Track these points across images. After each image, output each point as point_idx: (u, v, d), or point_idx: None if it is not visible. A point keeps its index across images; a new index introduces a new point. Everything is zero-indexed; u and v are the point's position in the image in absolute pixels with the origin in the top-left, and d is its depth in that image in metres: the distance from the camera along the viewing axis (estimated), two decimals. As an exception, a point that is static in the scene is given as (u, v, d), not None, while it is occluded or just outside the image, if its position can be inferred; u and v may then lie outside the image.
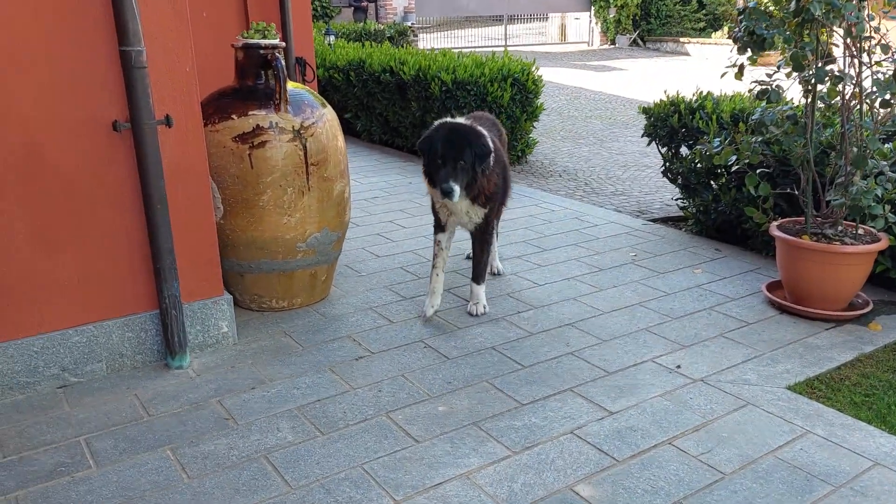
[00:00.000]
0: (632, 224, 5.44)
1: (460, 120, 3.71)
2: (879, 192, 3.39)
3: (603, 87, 13.11)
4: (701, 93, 5.29)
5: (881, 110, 3.48)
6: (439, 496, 2.45)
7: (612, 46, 19.88)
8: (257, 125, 3.47)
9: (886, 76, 3.30)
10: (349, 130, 8.41)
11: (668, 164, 5.31)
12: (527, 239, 5.07)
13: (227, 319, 3.44)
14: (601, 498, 2.44)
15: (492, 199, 3.69)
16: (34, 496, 2.44)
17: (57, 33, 2.79)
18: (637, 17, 19.58)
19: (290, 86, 3.65)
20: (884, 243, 3.71)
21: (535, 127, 7.56)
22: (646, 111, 5.42)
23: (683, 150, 5.28)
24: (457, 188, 3.37)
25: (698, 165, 5.02)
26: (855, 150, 3.56)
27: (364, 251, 4.83)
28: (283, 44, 3.68)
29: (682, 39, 18.63)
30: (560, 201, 6.11)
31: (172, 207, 3.10)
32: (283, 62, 3.49)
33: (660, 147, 5.39)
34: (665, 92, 5.55)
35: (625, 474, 2.56)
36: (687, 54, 18.20)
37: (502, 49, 15.97)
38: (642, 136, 5.55)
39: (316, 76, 5.30)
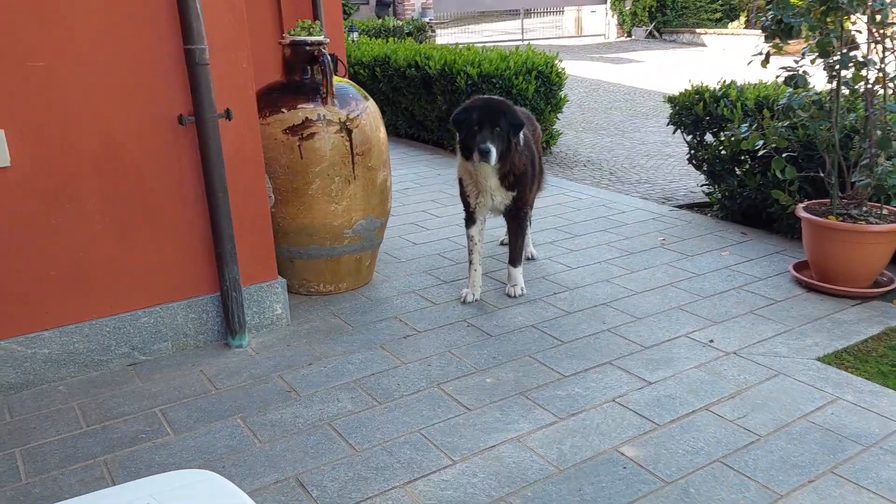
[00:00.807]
0: (658, 210, 5.59)
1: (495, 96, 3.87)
2: (901, 170, 3.52)
3: (621, 78, 13.22)
4: (724, 81, 5.42)
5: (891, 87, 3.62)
6: (494, 457, 2.63)
7: (629, 39, 19.94)
8: (306, 118, 3.67)
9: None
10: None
11: (693, 151, 5.45)
12: (557, 226, 5.24)
13: (281, 302, 3.64)
14: (645, 458, 2.61)
15: (519, 183, 3.85)
16: (121, 460, 2.65)
17: (128, 36, 2.99)
18: (653, 9, 19.63)
19: (335, 80, 3.84)
20: (908, 222, 3.84)
21: (558, 118, 7.71)
22: (671, 100, 5.56)
23: (708, 138, 5.42)
24: (493, 149, 3.54)
25: (723, 152, 5.15)
26: (879, 132, 3.70)
27: (401, 239, 5.02)
28: (328, 40, 3.87)
29: (698, 30, 18.67)
30: (586, 189, 6.27)
31: (232, 196, 3.31)
32: (328, 58, 3.69)
33: (685, 135, 5.53)
34: (689, 81, 5.68)
35: (666, 437, 2.73)
36: (703, 45, 18.24)
37: (519, 43, 16.10)
38: (667, 124, 5.69)
39: (346, 74, 5.49)
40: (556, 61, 7.33)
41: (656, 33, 19.69)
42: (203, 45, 3.06)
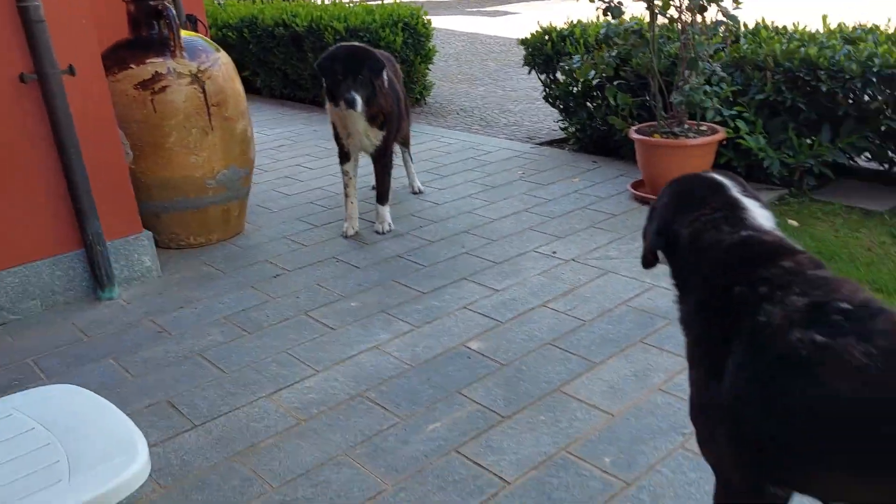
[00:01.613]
0: (521, 149, 5.96)
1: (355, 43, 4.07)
2: (707, 88, 3.98)
3: (498, 31, 13.56)
4: (571, 21, 5.80)
5: (699, 15, 4.05)
6: (354, 364, 2.91)
7: (506, -7, 20.30)
8: (156, 72, 3.74)
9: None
10: (250, 88, 8.51)
11: (547, 89, 5.83)
12: (427, 169, 5.50)
13: (149, 254, 3.75)
14: (487, 348, 2.95)
15: (388, 123, 4.09)
16: (-7, 407, 2.75)
17: (-46, -7, 2.99)
18: (527, -37, 20.02)
19: (184, 34, 3.92)
20: (721, 135, 4.33)
21: (429, 70, 7.94)
22: (523, 42, 5.90)
23: (560, 76, 5.80)
24: (358, 97, 3.76)
25: (574, 89, 5.56)
26: (690, 55, 4.15)
27: (274, 192, 5.16)
28: (172, -5, 3.94)
29: (571, -18, 19.22)
30: (457, 135, 6.57)
31: (86, 152, 3.37)
32: (173, 11, 3.77)
33: (539, 74, 5.89)
34: (538, 23, 6.04)
35: (507, 331, 3.08)
36: (577, -4, 18.80)
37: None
38: (522, 65, 6.04)
39: (209, 34, 5.51)
40: (422, 13, 7.53)
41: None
42: (37, 2, 3.09)
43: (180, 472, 2.35)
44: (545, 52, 5.69)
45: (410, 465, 2.32)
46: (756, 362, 1.38)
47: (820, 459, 1.36)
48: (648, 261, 1.76)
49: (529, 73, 5.99)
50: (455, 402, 2.64)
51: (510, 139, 6.40)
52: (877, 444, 1.25)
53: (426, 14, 7.62)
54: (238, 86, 4.11)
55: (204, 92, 3.84)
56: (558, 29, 5.71)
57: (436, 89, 8.59)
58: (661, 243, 1.67)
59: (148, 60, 3.74)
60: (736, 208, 1.59)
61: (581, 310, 3.21)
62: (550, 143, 6.17)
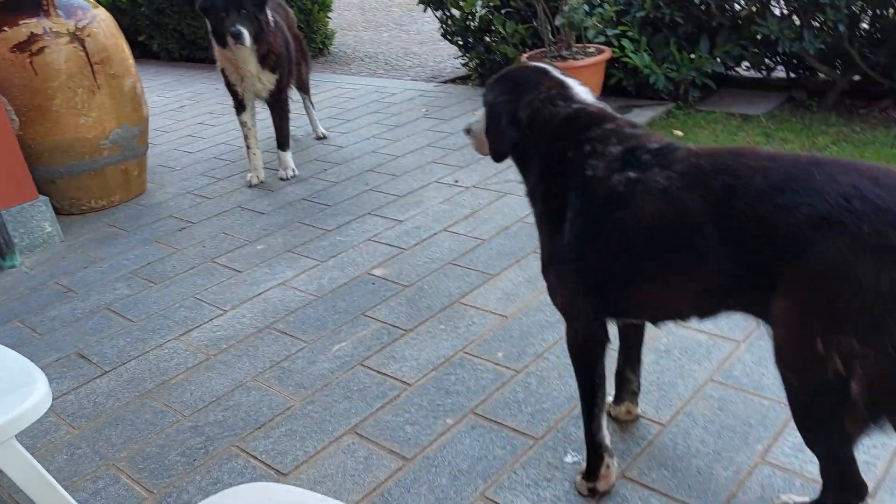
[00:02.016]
0: (425, 88, 6.03)
1: None
2: (587, 7, 4.13)
3: (401, -22, 13.39)
4: (461, -44, 5.83)
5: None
6: (261, 300, 3.00)
7: (409, -61, 19.97)
8: (31, 33, 3.65)
9: None
10: (148, 53, 8.32)
11: (444, 26, 5.89)
12: (332, 116, 5.53)
13: (48, 220, 3.71)
14: (391, 274, 3.09)
15: (280, 64, 4.08)
16: None
17: None
18: None
19: (57, -8, 3.81)
20: (607, 55, 4.51)
21: (329, 18, 7.85)
22: (415, -19, 5.91)
23: (455, 12, 5.86)
24: (244, 30, 3.71)
25: (472, 24, 5.63)
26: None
27: (176, 151, 5.11)
28: (40, -47, 3.80)
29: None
30: (362, 80, 6.57)
31: (-35, 119, 3.30)
32: (43, -31, 3.65)
33: (434, 11, 5.94)
34: (429, -40, 6.05)
35: (410, 256, 3.22)
36: (481, -63, 18.64)
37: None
38: (417, 3, 6.06)
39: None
40: (316, -39, 7.41)
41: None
42: None
43: (93, 414, 2.42)
44: (438, -12, 5.73)
45: (317, 382, 2.45)
46: (588, 208, 1.62)
47: (643, 276, 1.61)
48: (502, 155, 1.89)
49: (425, 10, 6.03)
50: (360, 323, 2.77)
51: (414, 80, 6.46)
52: (681, 251, 1.51)
53: (320, -39, 7.51)
54: (122, 42, 4.03)
55: (85, 50, 3.76)
56: (449, -36, 5.73)
57: (340, 38, 8.52)
58: (515, 131, 1.79)
59: (21, 22, 3.64)
60: (564, 87, 1.77)
61: (480, 230, 3.36)
62: (454, 80, 6.25)
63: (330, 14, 7.74)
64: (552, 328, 2.57)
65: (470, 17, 5.56)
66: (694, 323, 2.47)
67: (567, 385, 2.28)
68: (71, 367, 2.68)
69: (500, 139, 1.84)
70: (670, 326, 2.46)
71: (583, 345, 1.79)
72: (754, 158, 1.46)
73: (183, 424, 2.32)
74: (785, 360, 1.45)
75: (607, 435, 1.87)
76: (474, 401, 2.27)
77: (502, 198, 3.68)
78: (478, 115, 1.95)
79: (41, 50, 3.66)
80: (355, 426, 2.23)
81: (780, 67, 4.81)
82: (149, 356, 2.70)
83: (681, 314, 1.70)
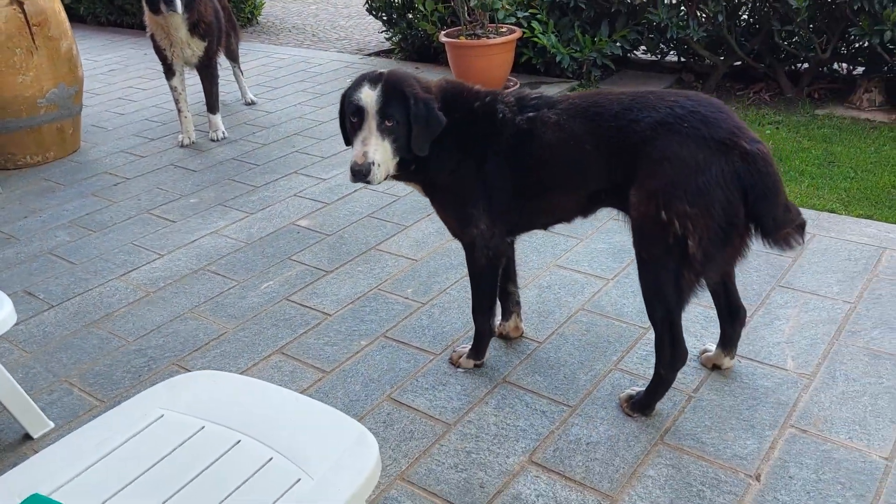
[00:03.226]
0: (351, 59, 6.33)
1: None
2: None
3: (331, -50, 13.47)
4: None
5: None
6: (195, 246, 3.31)
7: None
8: (-32, -8, 3.79)
9: None
10: (73, 17, 8.24)
11: (370, 1, 6.19)
12: (261, 83, 5.77)
13: (-15, 173, 3.89)
14: (314, 224, 3.45)
15: (209, 33, 4.32)
16: None
17: None
18: None
19: (-8, -46, 3.94)
20: (517, 34, 4.94)
21: (259, -11, 8.02)
22: (343, -44, 6.18)
23: (380, -12, 6.17)
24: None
25: (395, 1, 5.95)
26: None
27: (108, 112, 5.28)
28: (-27, -87, 3.92)
29: None
30: (290, 51, 6.82)
31: None
32: (-23, -70, 3.78)
33: (360, -13, 6.23)
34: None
35: (332, 210, 3.58)
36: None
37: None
38: (344, -21, 6.33)
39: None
40: (244, -69, 7.54)
41: None
42: None
43: (44, 341, 2.70)
44: (364, -35, 6.02)
45: (248, 313, 2.81)
46: (504, 141, 2.10)
47: (545, 189, 2.12)
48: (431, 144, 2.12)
49: (352, -14, 6.31)
50: (286, 266, 3.13)
51: (340, 52, 6.75)
52: (571, 164, 2.05)
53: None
54: (58, 6, 4.19)
55: (24, 13, 3.92)
56: (373, -60, 6.03)
57: (268, 9, 8.68)
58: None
59: (-43, -19, 3.77)
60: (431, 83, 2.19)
61: (397, 188, 3.74)
62: (378, 53, 6.57)
63: (259, -16, 7.90)
64: (455, 270, 2.99)
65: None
66: (573, 264, 2.95)
67: (463, 314, 2.71)
68: (19, 302, 2.93)
69: (434, 128, 2.06)
70: (552, 269, 2.92)
71: (489, 262, 2.26)
72: (609, 94, 2.07)
73: (128, 348, 2.64)
74: (639, 235, 1.97)
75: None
76: (385, 327, 2.68)
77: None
78: (372, 147, 2.00)
79: (-23, 9, 3.81)
80: (282, 348, 2.60)
81: (672, 52, 5.35)
82: (92, 293, 2.99)
83: (569, 215, 2.23)
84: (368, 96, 2.01)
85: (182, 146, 4.48)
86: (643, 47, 5.38)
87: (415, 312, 2.75)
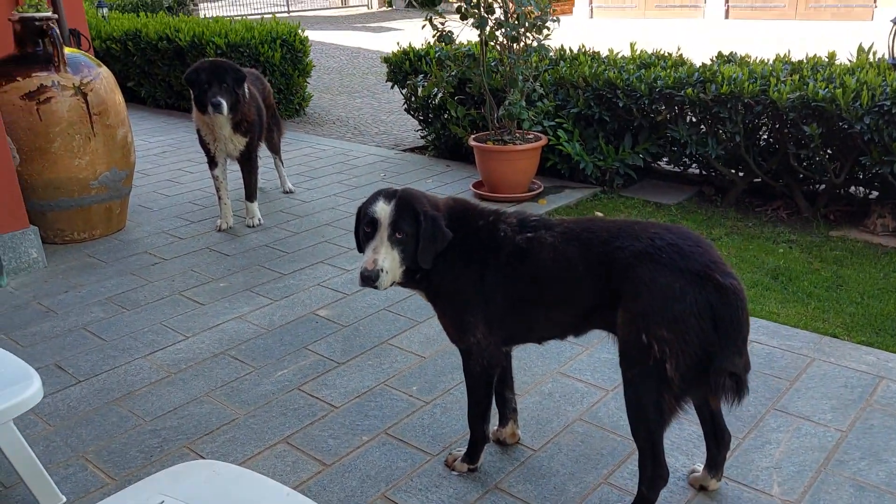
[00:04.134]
0: (387, 154, 6.67)
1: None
2: (524, 103, 4.82)
3: (380, 46, 14.26)
4: (427, 42, 6.56)
5: (514, 44, 4.90)
6: (219, 330, 3.49)
7: (390, 9, 21.13)
8: (41, 84, 4.19)
9: (511, 21, 4.72)
10: (134, 98, 8.87)
11: (408, 102, 6.57)
12: (300, 172, 6.11)
13: (35, 247, 4.17)
14: (333, 315, 3.62)
15: (251, 129, 4.67)
16: None
17: None
18: (413, -20, 20.93)
19: (67, 51, 4.37)
20: (543, 142, 5.20)
21: (308, 82, 8.53)
22: (386, 60, 6.63)
23: (409, 90, 6.55)
24: (223, 101, 4.31)
25: (432, 102, 6.31)
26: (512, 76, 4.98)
27: (155, 193, 5.63)
28: (56, 15, 4.38)
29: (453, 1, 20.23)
30: (331, 143, 7.20)
31: (-26, 155, 3.79)
32: (57, 31, 4.22)
33: (400, 89, 6.63)
34: (398, 43, 6.78)
35: (351, 301, 3.76)
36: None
37: (286, 15, 16.53)
38: (386, 81, 6.75)
39: (91, 46, 5.89)
40: (300, 30, 8.11)
41: (415, 3, 21.03)
42: (-72, 23, 3.51)
43: (67, 415, 2.87)
44: (404, 69, 6.43)
45: (260, 400, 2.95)
46: (501, 260, 2.25)
47: (539, 306, 2.26)
48: (436, 257, 2.30)
49: (392, 87, 6.71)
50: (301, 355, 3.28)
51: (378, 146, 7.10)
52: (565, 284, 2.19)
53: (304, 31, 8.22)
54: (118, 97, 4.59)
55: (86, 103, 4.31)
56: (416, 49, 6.46)
57: (317, 100, 9.19)
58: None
59: (33, 74, 4.18)
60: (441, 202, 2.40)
61: (413, 283, 3.92)
62: (413, 149, 6.91)
63: (309, 79, 8.42)
64: (460, 370, 3.07)
65: (430, 97, 6.24)
66: (576, 372, 3.05)
67: (464, 416, 2.80)
68: (50, 376, 3.12)
69: (440, 243, 2.24)
70: (555, 377, 3.02)
71: (485, 370, 2.37)
72: (601, 222, 2.27)
73: (144, 428, 2.79)
74: (623, 355, 2.09)
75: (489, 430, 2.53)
76: (387, 423, 2.79)
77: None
78: (382, 255, 2.20)
79: (48, 100, 4.19)
80: (287, 437, 2.72)
81: (694, 165, 5.54)
82: (118, 371, 3.17)
83: (562, 332, 2.37)
84: (383, 210, 2.22)
85: (219, 230, 4.76)
86: (665, 158, 5.59)
87: (417, 411, 2.85)
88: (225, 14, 16.88)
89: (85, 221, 4.54)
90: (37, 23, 4.25)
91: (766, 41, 12.11)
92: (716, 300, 1.95)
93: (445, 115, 6.18)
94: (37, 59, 4.26)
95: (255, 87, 4.97)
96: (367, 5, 21.52)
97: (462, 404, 2.88)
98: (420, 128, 6.66)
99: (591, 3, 17.75)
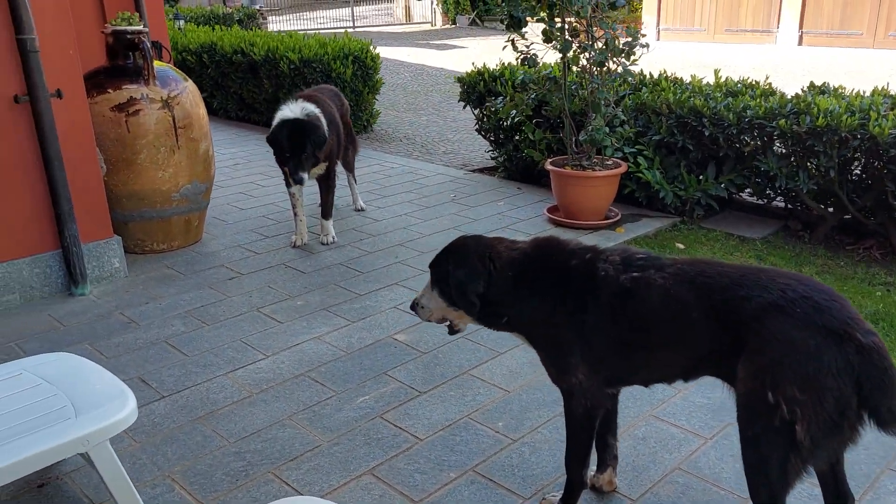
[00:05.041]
0: (456, 174, 6.61)
1: (297, 111, 4.45)
2: (608, 129, 4.70)
3: (444, 63, 14.33)
4: (502, 63, 6.51)
5: (601, 69, 4.79)
6: (298, 350, 3.45)
7: (454, 26, 21.24)
8: (131, 97, 4.25)
9: (598, 46, 4.61)
10: (207, 110, 9.03)
11: (480, 122, 6.51)
12: (370, 190, 6.10)
13: (118, 257, 4.22)
14: (411, 340, 3.54)
15: (329, 157, 4.68)
16: (-16, 380, 3.19)
17: (-40, 25, 3.47)
18: (475, -2, 21.04)
19: (156, 64, 4.43)
20: (623, 169, 5.06)
21: (377, 99, 8.56)
22: (460, 80, 6.59)
23: (492, 111, 6.49)
24: (305, 175, 4.39)
25: (504, 123, 6.24)
26: (594, 100, 4.87)
27: (230, 206, 5.67)
28: (147, 29, 4.46)
29: (517, 18, 20.24)
30: (399, 160, 7.19)
31: (67, 165, 3.85)
32: (148, 44, 4.28)
33: (472, 109, 6.58)
34: (472, 64, 6.74)
35: (429, 326, 3.65)
36: (522, 32, 19.81)
37: (350, 30, 16.76)
38: (458, 101, 6.71)
39: (171, 59, 6.00)
40: (371, 47, 8.15)
41: (479, 21, 21.11)
42: (33, 35, 3.59)
43: (152, 431, 2.85)
44: (478, 90, 6.38)
45: (343, 427, 2.88)
46: (604, 299, 2.15)
47: (647, 348, 2.16)
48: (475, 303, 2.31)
49: (464, 107, 6.67)
50: (381, 381, 3.21)
51: (447, 166, 7.05)
52: (676, 327, 2.08)
53: (375, 48, 8.26)
54: (202, 111, 4.64)
55: (173, 116, 4.36)
56: (490, 70, 6.40)
57: (382, 117, 9.22)
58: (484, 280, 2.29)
59: (124, 86, 4.25)
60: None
61: (492, 311, 3.83)
62: (482, 170, 6.84)
63: (377, 96, 8.44)
64: (548, 407, 2.99)
65: (503, 118, 6.17)
66: (670, 416, 2.90)
67: (555, 457, 2.69)
68: (133, 389, 3.08)
69: (463, 294, 2.26)
70: (648, 420, 2.88)
71: (587, 412, 2.28)
72: (719, 265, 2.14)
73: (228, 449, 2.74)
74: (745, 411, 1.95)
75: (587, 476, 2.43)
76: (475, 460, 2.68)
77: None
78: (422, 294, 2.42)
79: (137, 112, 4.25)
80: (373, 468, 2.64)
81: (779, 197, 5.33)
82: (200, 387, 3.14)
83: (670, 377, 2.26)
84: (434, 259, 2.43)
85: (294, 246, 4.75)
86: (749, 189, 5.39)
87: (505, 448, 2.75)
88: (291, 28, 17.18)
89: (165, 233, 4.58)
90: (129, 36, 4.32)
91: (845, 70, 11.73)
92: (858, 361, 1.80)
93: (518, 137, 6.10)
94: (127, 71, 4.33)
95: (334, 104, 4.97)
96: (431, 22, 21.67)
97: (552, 444, 2.76)
98: (490, 148, 6.59)
99: (658, 25, 17.48)
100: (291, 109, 4.48)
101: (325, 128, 4.50)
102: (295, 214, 4.82)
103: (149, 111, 4.29)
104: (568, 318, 2.19)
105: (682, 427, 2.85)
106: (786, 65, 12.32)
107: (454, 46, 17.08)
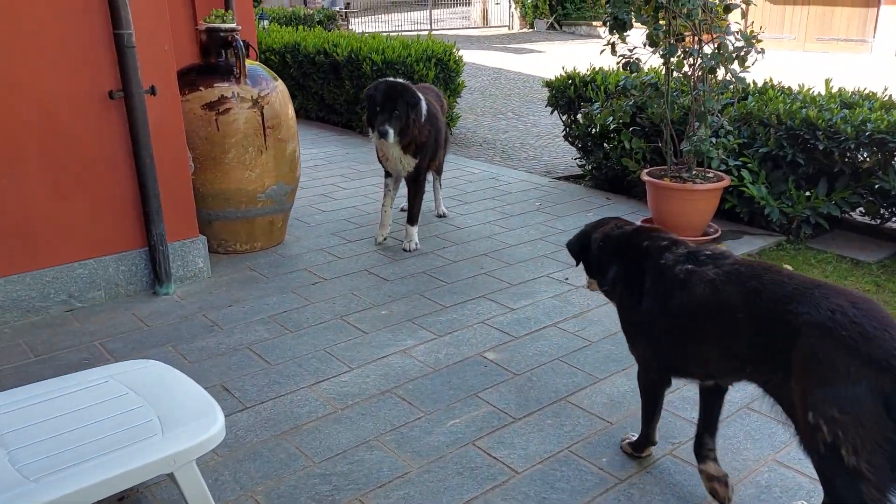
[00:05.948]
0: (539, 182, 6.37)
1: (398, 79, 4.50)
2: (714, 139, 4.37)
3: (522, 67, 14.08)
4: (594, 68, 6.23)
5: (710, 76, 4.47)
6: (384, 364, 3.29)
7: (531, 30, 20.93)
8: (222, 95, 4.19)
9: (711, 51, 4.30)
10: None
11: (567, 129, 6.25)
12: (451, 196, 5.92)
13: (202, 257, 4.16)
14: (502, 360, 3.33)
15: (421, 151, 4.51)
16: (69, 379, 3.14)
17: (64, 21, 3.45)
18: (553, 2, 20.66)
19: (247, 63, 4.36)
20: (726, 182, 4.72)
21: (458, 103, 8.40)
22: (548, 84, 6.34)
23: (580, 117, 6.23)
24: (391, 130, 4.22)
25: (593, 130, 5.97)
26: (700, 109, 4.55)
27: (311, 208, 5.59)
28: (240, 27, 4.39)
29: (594, 23, 19.81)
30: (480, 165, 6.99)
31: (157, 162, 3.80)
32: (241, 42, 4.21)
33: (560, 115, 6.32)
34: (563, 67, 6.48)
35: (520, 345, 3.46)
36: (599, 37, 19.37)
37: (427, 32, 16.64)
38: (546, 106, 6.47)
39: (258, 57, 5.98)
40: (454, 50, 8.00)
41: (557, 25, 20.75)
42: (130, 31, 3.55)
43: (235, 445, 2.73)
44: (568, 95, 6.12)
45: (433, 453, 2.69)
46: (659, 286, 2.33)
47: (691, 339, 2.25)
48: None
49: (552, 113, 6.42)
50: (472, 403, 3.01)
51: (529, 172, 6.82)
52: (719, 323, 2.14)
53: (458, 50, 8.10)
54: (290, 111, 4.55)
55: (262, 115, 4.28)
56: (581, 74, 6.14)
57: (462, 121, 9.05)
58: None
59: (215, 84, 4.19)
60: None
61: (588, 331, 3.58)
62: (567, 178, 6.57)
63: (457, 99, 8.28)
64: (657, 445, 2.72)
65: (592, 125, 5.90)
66: (795, 462, 2.60)
67: (667, 501, 2.43)
68: (216, 397, 2.97)
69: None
70: (770, 465, 2.59)
71: (650, 385, 2.54)
72: (777, 273, 2.10)
73: (313, 470, 2.59)
74: (800, 434, 1.94)
75: (656, 434, 2.62)
76: (578, 501, 2.45)
77: (610, 303, 3.88)
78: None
79: (227, 110, 4.19)
80: (467, 503, 2.44)
81: (895, 218, 4.89)
82: (284, 399, 3.01)
83: (721, 375, 2.32)
84: None
85: (377, 243, 4.63)
86: (860, 209, 4.97)
87: (611, 489, 2.50)
88: (370, 30, 17.25)
89: (248, 233, 4.51)
90: (222, 34, 4.26)
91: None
92: (891, 392, 1.74)
93: (610, 145, 5.82)
94: (219, 69, 4.27)
95: (435, 101, 4.84)
96: (508, 26, 21.44)
97: (664, 488, 2.51)
98: (578, 156, 6.32)
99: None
100: (393, 77, 4.46)
101: (424, 103, 4.39)
102: (383, 205, 4.76)
103: (239, 110, 4.22)
104: (632, 299, 2.44)
105: (810, 476, 2.54)
106: (883, 76, 11.57)
107: (532, 51, 16.81)
